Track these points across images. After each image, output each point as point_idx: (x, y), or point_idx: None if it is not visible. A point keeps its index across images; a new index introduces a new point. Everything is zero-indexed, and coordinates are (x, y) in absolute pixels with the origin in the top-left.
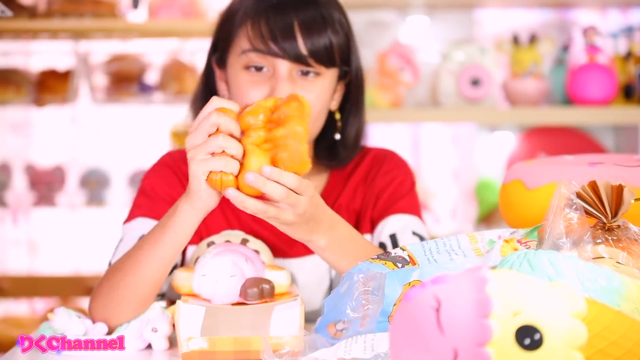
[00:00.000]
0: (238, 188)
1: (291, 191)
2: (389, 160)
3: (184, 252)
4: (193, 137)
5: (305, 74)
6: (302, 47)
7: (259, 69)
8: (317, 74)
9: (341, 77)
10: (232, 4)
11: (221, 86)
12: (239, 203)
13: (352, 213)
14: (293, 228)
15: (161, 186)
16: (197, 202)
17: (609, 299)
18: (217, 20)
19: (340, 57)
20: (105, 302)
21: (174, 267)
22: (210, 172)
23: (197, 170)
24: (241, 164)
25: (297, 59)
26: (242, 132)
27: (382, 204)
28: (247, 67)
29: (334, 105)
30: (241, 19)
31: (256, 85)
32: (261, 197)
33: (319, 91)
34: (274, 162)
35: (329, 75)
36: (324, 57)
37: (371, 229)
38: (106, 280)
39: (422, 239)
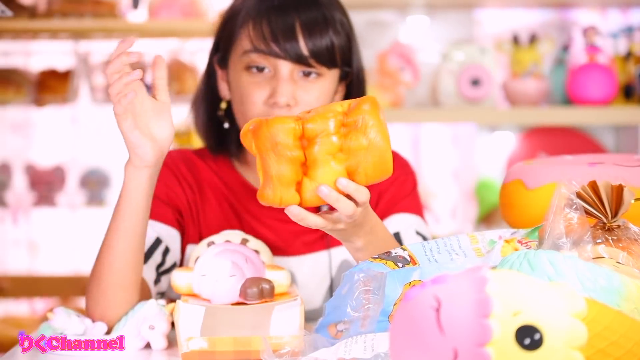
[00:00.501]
0: (300, 200)
1: (356, 205)
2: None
3: (183, 253)
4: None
5: (307, 74)
6: (303, 47)
7: (260, 69)
8: (319, 74)
9: (342, 78)
10: (234, 4)
11: (222, 86)
12: (300, 220)
13: None
14: (337, 231)
15: (159, 186)
16: (132, 157)
17: (609, 299)
18: (218, 21)
19: (342, 58)
20: (95, 296)
21: (173, 266)
22: (265, 187)
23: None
24: (304, 171)
25: (299, 59)
26: (307, 140)
27: (385, 203)
28: (249, 68)
29: None
30: (243, 20)
31: (257, 86)
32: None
33: (320, 92)
34: (350, 173)
35: (330, 76)
36: (325, 58)
37: None
38: (91, 275)
39: (425, 239)
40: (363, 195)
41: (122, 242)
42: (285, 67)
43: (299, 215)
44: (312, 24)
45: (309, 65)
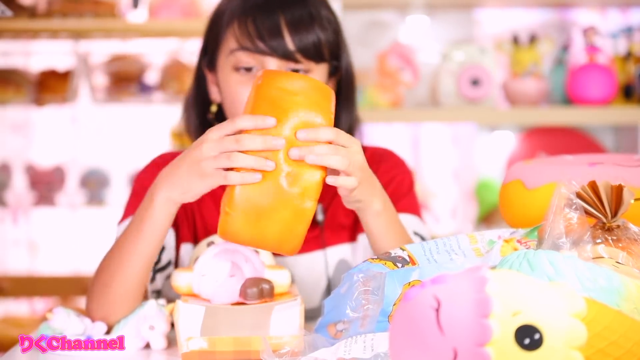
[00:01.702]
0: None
1: (339, 146)
2: (386, 159)
3: (177, 251)
4: (213, 132)
5: (295, 71)
6: (289, 43)
7: (248, 69)
8: (307, 71)
9: (332, 73)
10: (219, 6)
11: (213, 89)
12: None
13: (350, 212)
14: (356, 193)
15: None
16: (179, 197)
17: (609, 299)
18: (206, 24)
19: (330, 52)
20: (100, 301)
21: (168, 264)
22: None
23: (207, 165)
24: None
25: (286, 55)
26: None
27: None
28: (237, 69)
29: None
30: (228, 20)
31: (247, 86)
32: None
33: None
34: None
35: (319, 72)
36: (312, 53)
37: None
38: (97, 280)
39: (423, 238)
40: (327, 133)
41: (139, 262)
42: (273, 64)
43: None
44: (298, 21)
45: (296, 61)
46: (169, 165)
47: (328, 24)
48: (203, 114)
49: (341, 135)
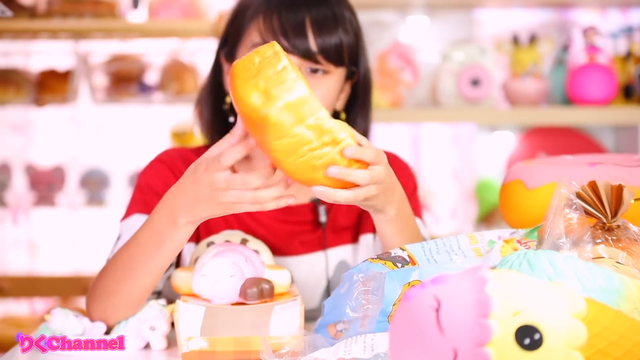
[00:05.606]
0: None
1: (373, 167)
2: (390, 162)
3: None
4: (220, 174)
5: (314, 71)
6: (312, 44)
7: None
8: (325, 72)
9: (348, 77)
10: (243, 0)
11: (228, 80)
12: (327, 197)
13: (353, 213)
14: (373, 201)
15: (157, 182)
16: (196, 220)
17: (609, 299)
18: (228, 15)
19: (349, 56)
20: (102, 305)
21: (170, 264)
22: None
23: (227, 201)
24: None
25: (307, 55)
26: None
27: None
28: None
29: (339, 105)
30: (253, 14)
31: None
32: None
33: (327, 89)
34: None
35: (337, 74)
36: (333, 55)
37: (374, 229)
38: (101, 284)
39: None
40: (370, 153)
41: (148, 275)
42: (294, 61)
43: (324, 193)
44: (322, 22)
45: (317, 62)
46: (180, 187)
47: (350, 26)
48: (217, 105)
49: (365, 152)
